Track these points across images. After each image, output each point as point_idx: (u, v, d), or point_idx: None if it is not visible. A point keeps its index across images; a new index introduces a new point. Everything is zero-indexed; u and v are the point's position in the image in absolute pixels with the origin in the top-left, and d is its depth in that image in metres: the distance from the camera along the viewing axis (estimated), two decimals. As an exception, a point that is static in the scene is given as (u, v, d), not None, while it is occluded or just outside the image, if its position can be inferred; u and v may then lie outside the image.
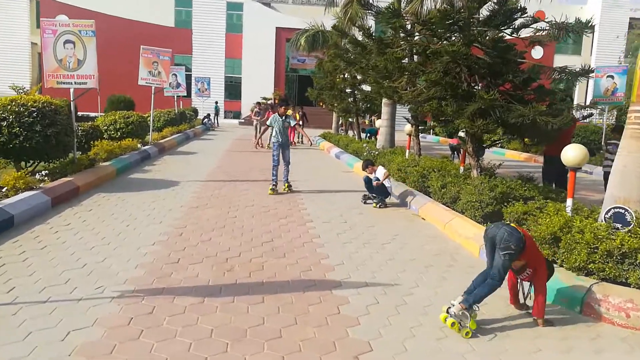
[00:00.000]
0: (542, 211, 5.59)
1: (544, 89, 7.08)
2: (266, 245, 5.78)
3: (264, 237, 6.13)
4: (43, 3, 36.60)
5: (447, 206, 7.53)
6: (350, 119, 20.07)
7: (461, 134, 8.71)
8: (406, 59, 8.73)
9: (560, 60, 34.53)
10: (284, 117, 9.09)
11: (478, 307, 3.89)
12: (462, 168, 8.93)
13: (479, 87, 6.98)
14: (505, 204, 6.56)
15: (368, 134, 19.59)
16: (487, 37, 6.98)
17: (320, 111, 31.56)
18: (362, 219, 7.39)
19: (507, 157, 18.69)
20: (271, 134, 9.43)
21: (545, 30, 6.40)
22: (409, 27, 8.52)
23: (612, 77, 14.91)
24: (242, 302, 4.10)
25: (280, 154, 9.17)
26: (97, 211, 6.99)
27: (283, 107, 9.27)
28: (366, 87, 17.41)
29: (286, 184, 9.18)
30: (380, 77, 8.57)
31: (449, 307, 3.84)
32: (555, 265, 4.71)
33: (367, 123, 23.33)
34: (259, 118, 19.09)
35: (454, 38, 7.17)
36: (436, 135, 27.47)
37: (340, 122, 22.96)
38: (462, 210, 7.05)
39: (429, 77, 6.43)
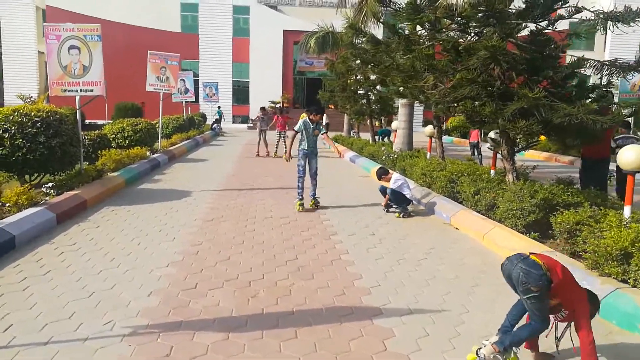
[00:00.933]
0: (599, 221, 5.01)
1: (584, 85, 6.50)
2: (291, 264, 5.24)
3: (287, 254, 5.59)
4: (49, 12, 36.41)
5: (482, 214, 6.96)
6: (360, 121, 19.50)
7: (492, 134, 8.13)
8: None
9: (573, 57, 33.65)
10: (315, 124, 8.07)
11: (518, 349, 3.19)
12: (492, 171, 8.36)
13: (515, 85, 6.41)
14: (550, 211, 5.99)
15: (381, 136, 19.02)
16: (524, 31, 6.41)
17: (329, 113, 31.01)
18: (389, 230, 6.83)
19: (526, 157, 18.03)
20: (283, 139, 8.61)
21: (591, 21, 5.80)
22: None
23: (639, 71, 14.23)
24: (272, 337, 3.55)
25: (307, 164, 8.20)
26: (105, 227, 6.49)
27: (319, 115, 8.14)
28: (380, 88, 16.88)
29: (312, 200, 8.14)
30: (406, 76, 8.03)
31: (480, 348, 3.21)
32: (627, 284, 4.13)
33: (377, 125, 22.77)
34: (262, 123, 16.53)
35: (486, 31, 6.60)
36: (449, 136, 26.85)
37: (352, 124, 22.42)
38: (501, 219, 6.48)
39: (464, 75, 5.87)
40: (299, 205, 7.96)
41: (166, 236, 6.18)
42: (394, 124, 14.73)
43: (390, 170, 8.32)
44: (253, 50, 39.39)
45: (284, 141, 15.67)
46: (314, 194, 8.22)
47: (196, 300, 4.16)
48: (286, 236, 6.34)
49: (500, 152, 7.30)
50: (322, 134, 8.31)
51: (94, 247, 5.58)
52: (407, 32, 8.79)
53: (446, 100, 7.28)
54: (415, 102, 11.61)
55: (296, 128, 8.15)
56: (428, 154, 11.36)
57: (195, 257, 5.34)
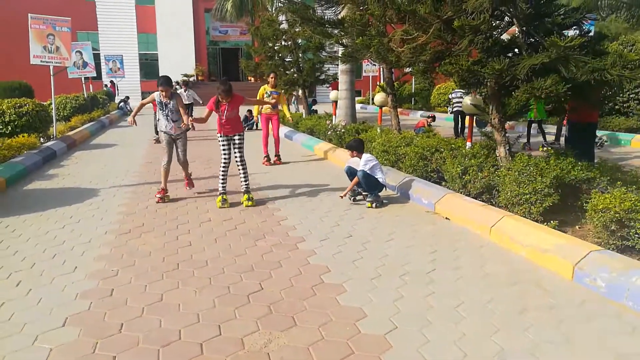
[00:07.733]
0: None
1: (600, 34, 5.35)
2: (256, 300, 3.59)
3: (245, 281, 3.94)
4: None
5: (476, 199, 5.69)
6: (291, 93, 17.74)
7: (469, 100, 6.86)
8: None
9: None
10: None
11: None
12: (469, 144, 7.12)
13: (519, 38, 5.08)
14: (560, 192, 4.87)
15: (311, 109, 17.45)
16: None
17: (249, 86, 28.95)
18: (368, 227, 5.36)
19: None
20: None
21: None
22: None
23: None
24: None
25: None
26: (-33, 259, 4.43)
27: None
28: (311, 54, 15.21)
29: None
30: (360, 32, 6.49)
31: None
32: None
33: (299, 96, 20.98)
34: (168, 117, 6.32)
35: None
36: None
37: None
38: (507, 205, 5.23)
39: (464, 22, 4.41)
40: None
41: (63, 265, 4.27)
42: (332, 95, 13.20)
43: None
44: (160, 20, 35.92)
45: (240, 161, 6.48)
46: None
47: (115, 404, 2.43)
48: (237, 251, 4.65)
49: (488, 121, 6.03)
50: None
51: (-58, 300, 3.58)
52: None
53: (421, 60, 5.85)
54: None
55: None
56: (378, 126, 10.01)
57: (109, 302, 3.54)
